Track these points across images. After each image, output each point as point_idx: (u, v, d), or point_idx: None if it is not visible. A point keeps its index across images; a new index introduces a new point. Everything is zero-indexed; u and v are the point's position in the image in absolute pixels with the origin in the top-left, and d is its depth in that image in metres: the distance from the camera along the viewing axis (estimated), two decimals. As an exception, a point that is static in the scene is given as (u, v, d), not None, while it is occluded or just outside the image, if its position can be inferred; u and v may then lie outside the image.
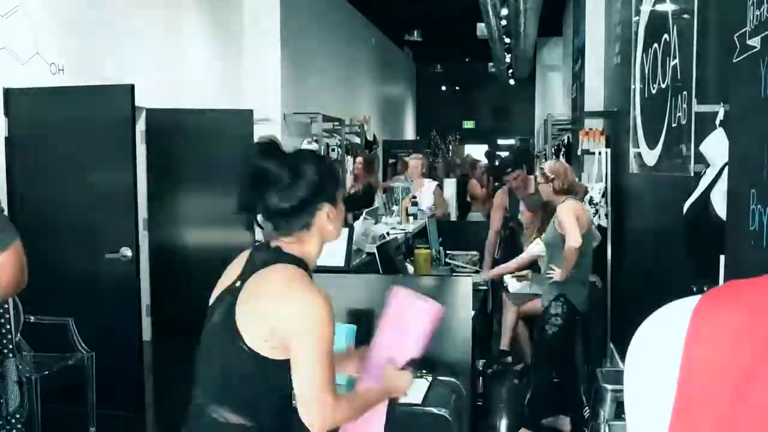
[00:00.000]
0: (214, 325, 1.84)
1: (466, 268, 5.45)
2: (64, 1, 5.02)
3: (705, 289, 0.80)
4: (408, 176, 7.50)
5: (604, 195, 5.62)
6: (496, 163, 11.54)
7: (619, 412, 3.20)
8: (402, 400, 3.07)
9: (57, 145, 4.62)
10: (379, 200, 6.61)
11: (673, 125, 3.17)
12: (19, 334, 3.96)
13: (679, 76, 3.08)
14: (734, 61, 2.04)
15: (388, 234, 4.68)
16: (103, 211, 4.61)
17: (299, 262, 1.84)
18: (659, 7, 3.68)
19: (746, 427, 0.60)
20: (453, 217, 8.43)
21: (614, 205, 5.64)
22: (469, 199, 10.41)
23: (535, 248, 5.03)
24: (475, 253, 5.74)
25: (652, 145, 3.67)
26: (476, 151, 19.64)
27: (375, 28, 13.94)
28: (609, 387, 3.28)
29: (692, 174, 2.73)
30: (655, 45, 3.59)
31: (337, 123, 9.50)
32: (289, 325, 1.73)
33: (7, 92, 4.49)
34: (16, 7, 4.51)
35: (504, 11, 10.27)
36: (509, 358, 5.34)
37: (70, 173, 4.63)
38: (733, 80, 2.16)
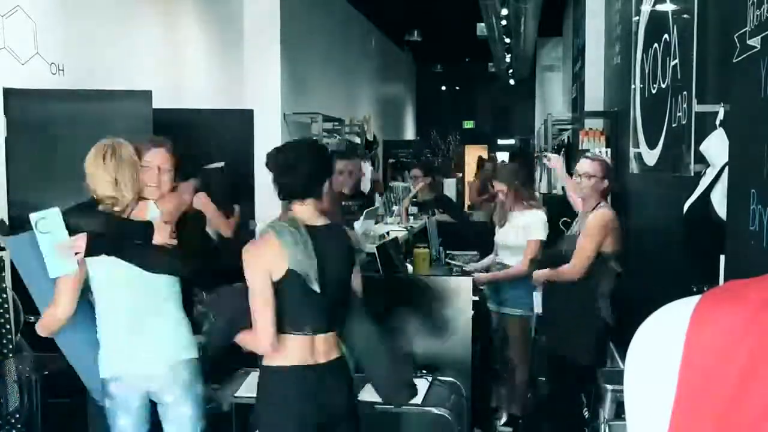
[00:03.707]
0: None
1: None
2: (64, 1, 5.03)
3: (705, 289, 0.80)
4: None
5: (604, 195, 5.61)
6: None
7: (619, 412, 3.20)
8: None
9: (57, 146, 4.61)
10: (378, 200, 6.61)
11: (673, 125, 3.17)
12: (19, 334, 3.96)
13: (679, 76, 3.08)
14: (734, 61, 2.04)
15: (388, 234, 4.69)
16: (103, 211, 4.61)
17: None
18: (659, 7, 3.68)
19: (746, 427, 0.60)
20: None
21: (614, 205, 5.64)
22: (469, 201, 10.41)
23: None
24: (475, 253, 5.74)
25: (652, 145, 3.67)
26: (475, 152, 19.61)
27: (375, 28, 13.94)
28: (609, 387, 3.28)
29: (692, 174, 2.73)
30: (655, 45, 3.59)
31: (337, 123, 9.50)
32: None
33: (7, 92, 4.49)
34: (16, 7, 4.51)
35: (504, 11, 10.27)
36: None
37: (70, 174, 4.62)
38: (733, 80, 2.16)
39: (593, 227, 3.91)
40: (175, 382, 2.76)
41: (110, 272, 2.78)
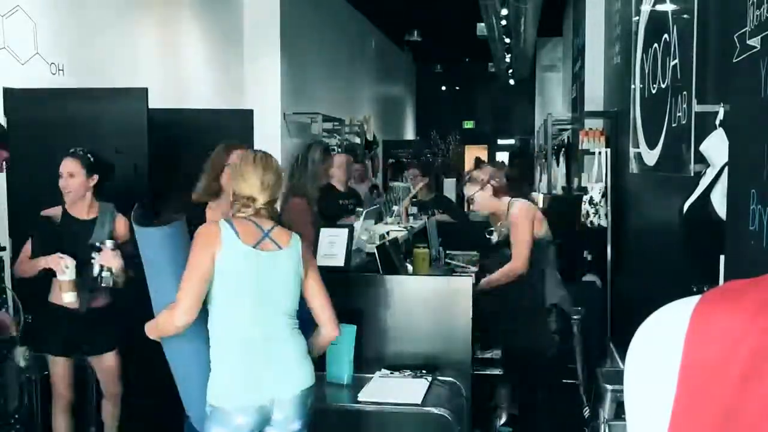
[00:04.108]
0: None
1: (466, 268, 5.44)
2: (64, 1, 5.02)
3: (705, 289, 0.80)
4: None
5: (604, 195, 5.62)
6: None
7: (619, 412, 3.20)
8: (401, 400, 3.08)
9: (58, 146, 4.60)
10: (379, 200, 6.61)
11: (673, 125, 3.17)
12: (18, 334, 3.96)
13: (679, 76, 3.08)
14: (734, 61, 2.04)
15: (388, 234, 4.68)
16: (103, 210, 4.60)
17: None
18: (659, 7, 3.68)
19: (746, 427, 0.60)
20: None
21: (614, 205, 5.64)
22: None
23: None
24: (475, 253, 5.74)
25: (652, 145, 3.67)
26: (476, 152, 19.59)
27: (375, 28, 13.94)
28: (609, 387, 3.28)
29: (692, 174, 2.73)
30: (655, 45, 3.59)
31: (337, 123, 9.51)
32: None
33: (7, 92, 4.48)
34: (16, 7, 4.51)
35: (504, 11, 10.27)
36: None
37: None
38: (733, 80, 2.16)
39: (517, 217, 4.08)
40: (300, 410, 2.54)
41: (240, 280, 2.51)
